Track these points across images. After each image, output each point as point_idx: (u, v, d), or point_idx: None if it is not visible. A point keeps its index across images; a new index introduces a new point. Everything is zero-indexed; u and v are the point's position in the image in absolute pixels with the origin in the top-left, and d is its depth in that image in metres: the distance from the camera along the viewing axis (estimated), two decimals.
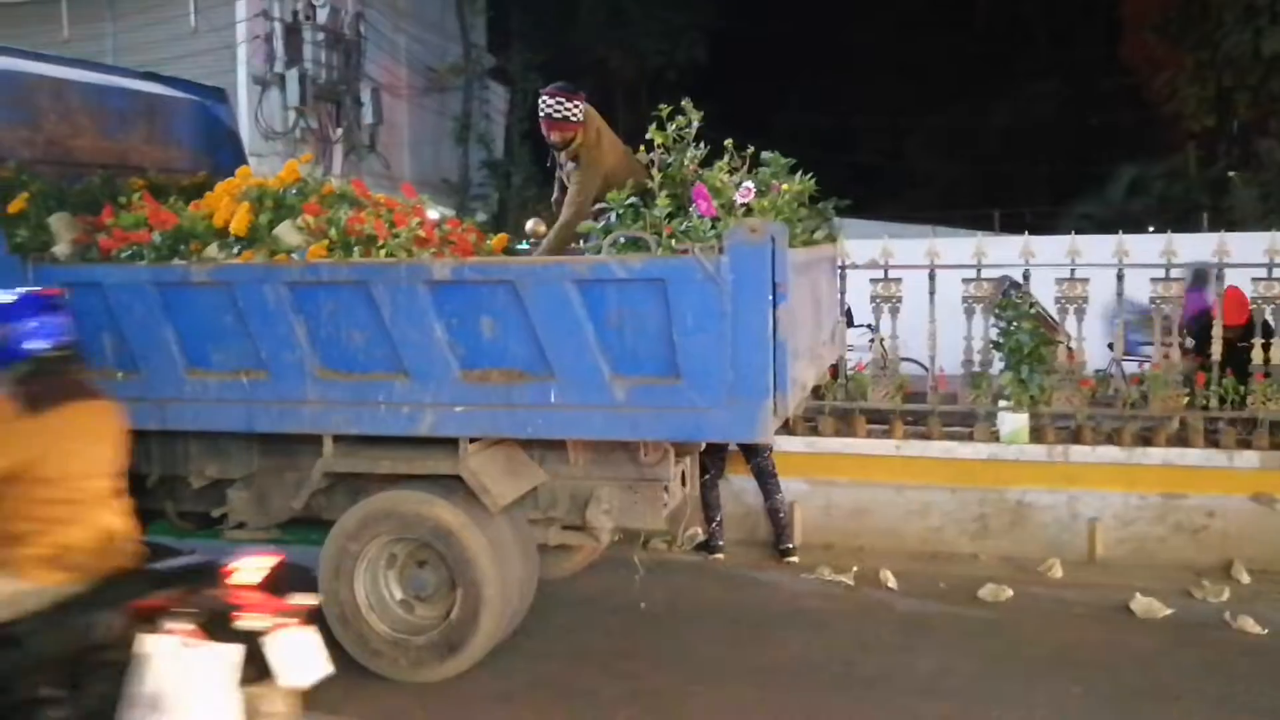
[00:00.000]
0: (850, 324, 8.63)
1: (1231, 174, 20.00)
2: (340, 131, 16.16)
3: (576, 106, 5.80)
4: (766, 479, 7.22)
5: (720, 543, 7.27)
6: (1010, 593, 6.47)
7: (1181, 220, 19.89)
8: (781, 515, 7.23)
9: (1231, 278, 7.33)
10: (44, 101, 6.29)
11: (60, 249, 5.55)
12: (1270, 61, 16.41)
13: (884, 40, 29.27)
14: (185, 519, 6.14)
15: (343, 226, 5.23)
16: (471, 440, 5.16)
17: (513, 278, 4.91)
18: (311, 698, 5.09)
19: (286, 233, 5.26)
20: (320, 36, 15.73)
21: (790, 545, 7.22)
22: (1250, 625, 5.94)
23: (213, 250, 5.31)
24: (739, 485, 7.44)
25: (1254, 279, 7.11)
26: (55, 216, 5.63)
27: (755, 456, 7.15)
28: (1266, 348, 6.99)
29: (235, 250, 5.29)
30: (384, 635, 5.31)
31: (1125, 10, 25.24)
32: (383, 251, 5.15)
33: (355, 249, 5.17)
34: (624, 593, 6.04)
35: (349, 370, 5.19)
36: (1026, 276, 7.45)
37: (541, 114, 5.87)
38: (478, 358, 5.02)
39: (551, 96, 5.81)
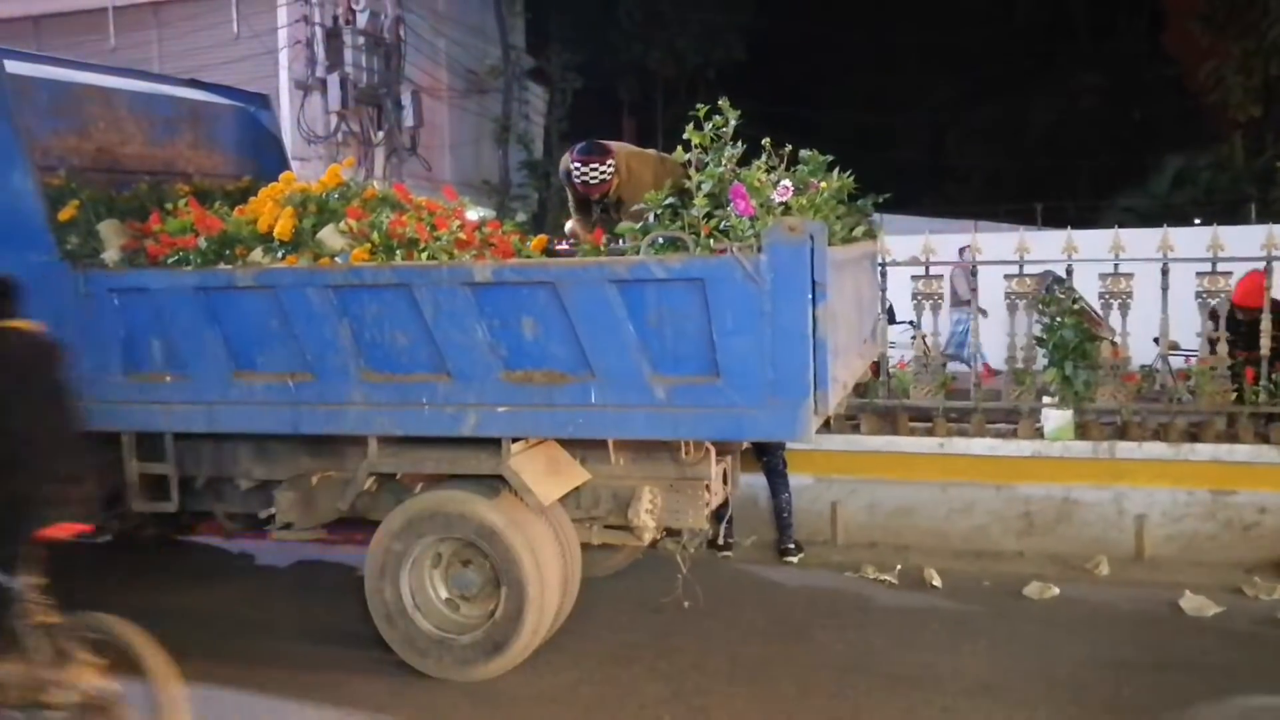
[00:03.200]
0: (892, 321, 8.61)
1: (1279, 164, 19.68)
2: (381, 134, 16.27)
3: (610, 165, 5.95)
4: (775, 477, 7.17)
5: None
6: (1056, 591, 6.41)
7: (1229, 212, 19.61)
8: (786, 515, 7.19)
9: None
10: (92, 110, 6.41)
11: (109, 255, 5.65)
12: None
13: (924, 35, 29.05)
14: (233, 520, 6.24)
15: (385, 230, 5.28)
16: (514, 440, 5.20)
17: (553, 279, 4.94)
18: (357, 697, 5.19)
19: (330, 237, 5.33)
20: (360, 40, 15.85)
21: (791, 545, 7.18)
22: None
23: (257, 255, 5.38)
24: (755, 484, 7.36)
25: None
26: (104, 223, 5.74)
27: (767, 454, 7.10)
28: None
29: (280, 254, 5.36)
30: (430, 634, 5.36)
31: (1168, 1, 24.92)
32: (424, 254, 5.19)
33: (397, 252, 5.22)
34: (667, 592, 6.05)
35: (393, 372, 5.24)
36: (1069, 272, 7.38)
37: (579, 180, 6.02)
38: (519, 358, 5.05)
39: (585, 165, 5.96)
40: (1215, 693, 5.09)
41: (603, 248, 5.42)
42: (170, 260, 5.49)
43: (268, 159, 7.30)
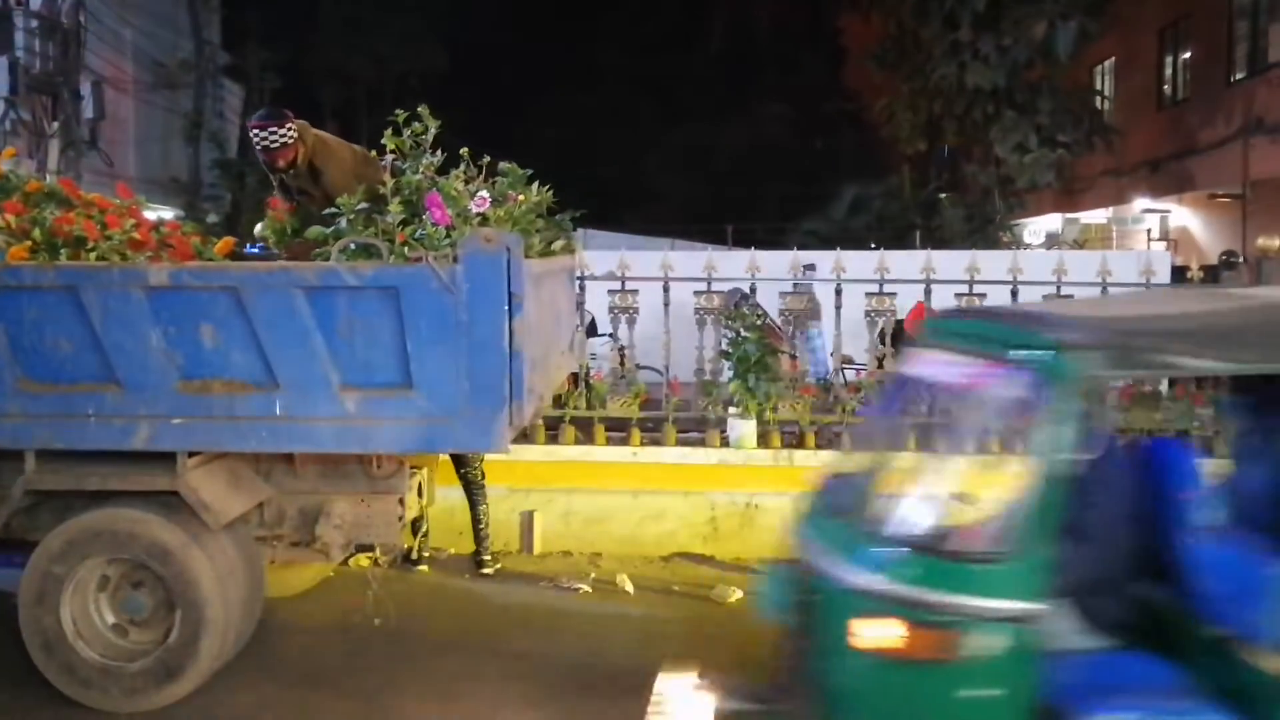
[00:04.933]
0: (594, 334, 8.78)
1: (942, 195, 21.55)
2: (57, 125, 15.08)
3: (290, 129, 5.85)
4: (473, 489, 7.12)
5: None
6: (740, 593, 6.71)
7: (898, 238, 21.28)
8: (483, 526, 7.16)
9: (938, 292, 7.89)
10: None
11: None
12: (973, 93, 17.76)
13: (625, 58, 29.92)
14: None
15: (48, 227, 4.89)
16: (191, 454, 4.91)
17: (236, 284, 4.72)
18: None
19: None
20: (34, 24, 14.65)
21: (488, 557, 7.15)
22: None
23: None
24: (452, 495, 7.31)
25: (956, 294, 7.68)
26: None
27: (464, 466, 7.06)
28: None
29: None
30: (94, 663, 4.97)
31: (847, 40, 26.82)
32: (93, 254, 4.84)
33: (62, 251, 4.84)
34: (359, 609, 5.89)
35: (55, 381, 4.85)
36: (753, 289, 7.78)
37: (259, 147, 5.89)
38: (198, 367, 4.80)
39: (263, 129, 5.84)
40: None
41: (287, 224, 5.27)
42: None
43: None
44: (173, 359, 4.77)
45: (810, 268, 8.42)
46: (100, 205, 5.37)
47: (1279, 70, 18.19)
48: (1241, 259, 10.13)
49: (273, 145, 5.82)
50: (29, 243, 4.86)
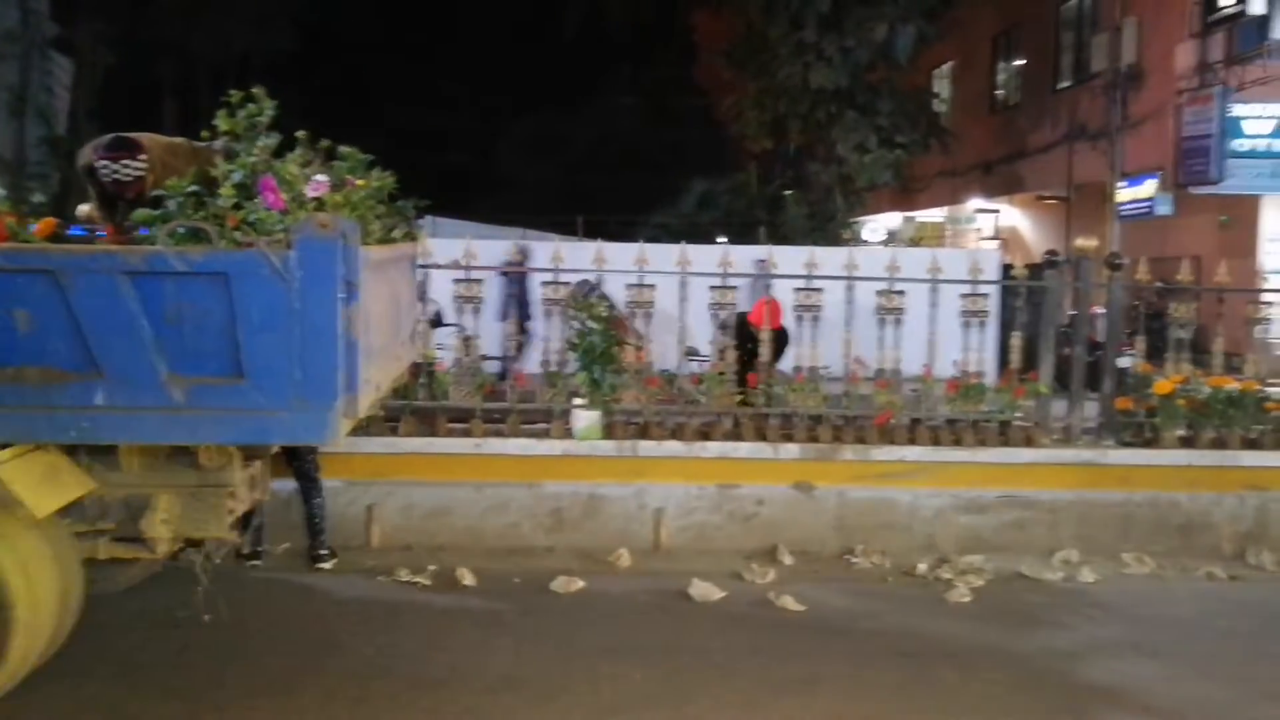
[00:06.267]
0: (440, 324, 8.67)
1: (786, 192, 22.02)
2: None
3: (141, 161, 5.54)
4: (307, 482, 7.00)
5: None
6: (581, 584, 6.73)
7: (745, 232, 21.66)
8: (318, 520, 7.03)
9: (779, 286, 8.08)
10: None
11: None
12: (816, 93, 18.20)
13: (479, 45, 29.65)
14: None
15: None
16: (3, 446, 4.67)
17: (53, 267, 4.48)
18: None
19: None
20: None
21: (324, 551, 7.04)
22: (790, 604, 6.53)
23: None
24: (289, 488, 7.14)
25: (795, 289, 7.86)
26: None
27: (297, 459, 6.91)
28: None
29: None
30: None
31: (699, 36, 27.13)
32: None
33: None
34: (186, 606, 5.69)
35: None
36: (600, 281, 7.81)
37: (108, 179, 5.54)
38: (10, 354, 4.53)
39: (114, 161, 5.51)
40: (715, 671, 5.55)
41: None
42: None
43: None
44: None
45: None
46: None
47: (1100, 80, 19.19)
48: (1063, 258, 10.65)
49: (125, 179, 5.50)
50: None
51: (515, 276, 10.89)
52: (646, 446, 7.59)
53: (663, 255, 7.90)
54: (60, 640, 5.07)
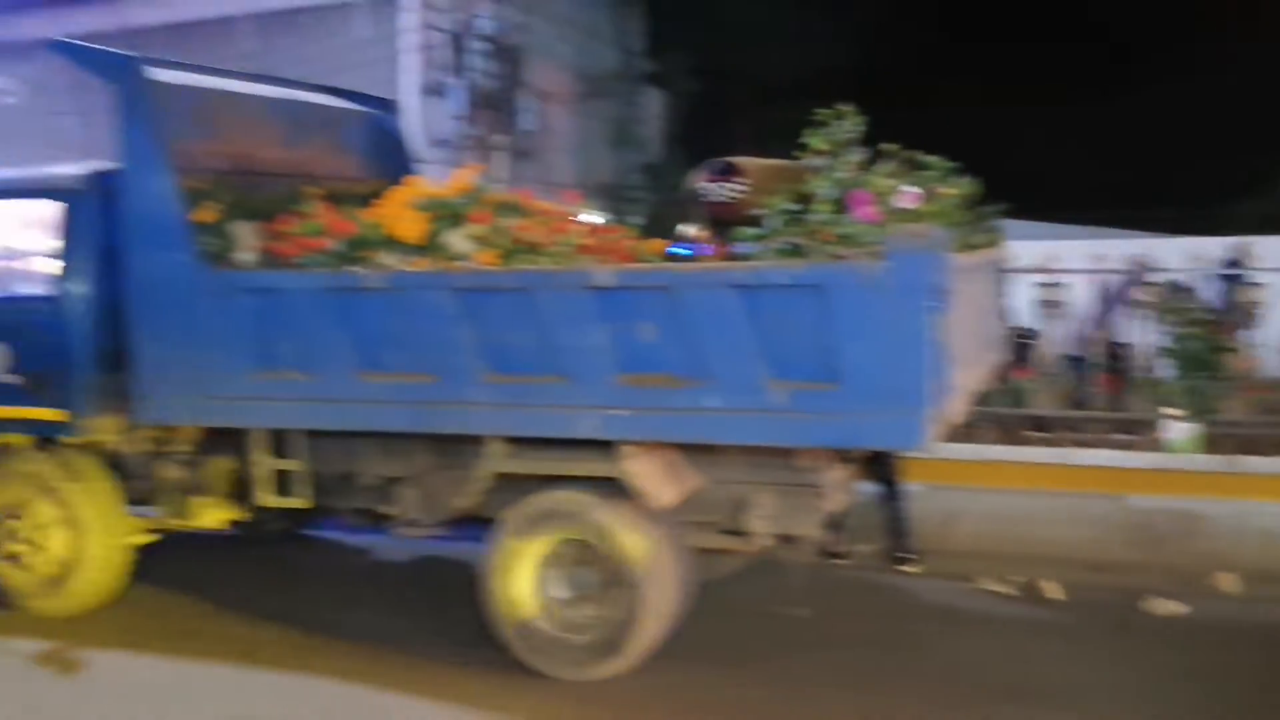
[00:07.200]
0: (1016, 329, 8.46)
1: None
2: (502, 139, 16.54)
3: (743, 184, 5.78)
4: (888, 485, 7.05)
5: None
6: (1175, 606, 6.22)
7: None
8: (901, 522, 7.07)
9: None
10: (230, 115, 6.64)
11: (243, 256, 5.85)
12: None
13: (1042, 34, 28.39)
14: (358, 515, 6.41)
15: (509, 234, 5.39)
16: (630, 443, 5.24)
17: (672, 284, 4.98)
18: (471, 694, 5.28)
19: (456, 240, 5.45)
20: (484, 46, 16.14)
21: (907, 554, 7.04)
22: None
23: (386, 257, 5.52)
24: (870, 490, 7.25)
25: None
26: (238, 224, 5.94)
27: (879, 462, 6.95)
28: None
29: (407, 257, 5.50)
30: (544, 634, 5.43)
31: None
32: (546, 259, 5.28)
33: (521, 256, 5.32)
34: (778, 598, 6.03)
35: (513, 373, 5.32)
36: (1195, 283, 7.18)
37: (710, 200, 5.88)
38: (637, 362, 5.09)
39: (717, 183, 5.83)
40: None
41: None
42: (301, 262, 5.67)
43: (393, 163, 7.48)
44: (615, 354, 5.10)
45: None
46: (552, 213, 5.85)
47: None
48: None
49: (725, 201, 5.81)
50: (493, 249, 5.39)
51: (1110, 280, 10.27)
52: (1254, 462, 6.85)
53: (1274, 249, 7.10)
54: (675, 623, 5.59)
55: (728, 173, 5.91)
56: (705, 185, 5.96)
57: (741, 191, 5.85)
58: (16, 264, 6.55)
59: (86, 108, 15.93)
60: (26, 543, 6.38)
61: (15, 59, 17.96)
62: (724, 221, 5.97)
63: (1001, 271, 7.28)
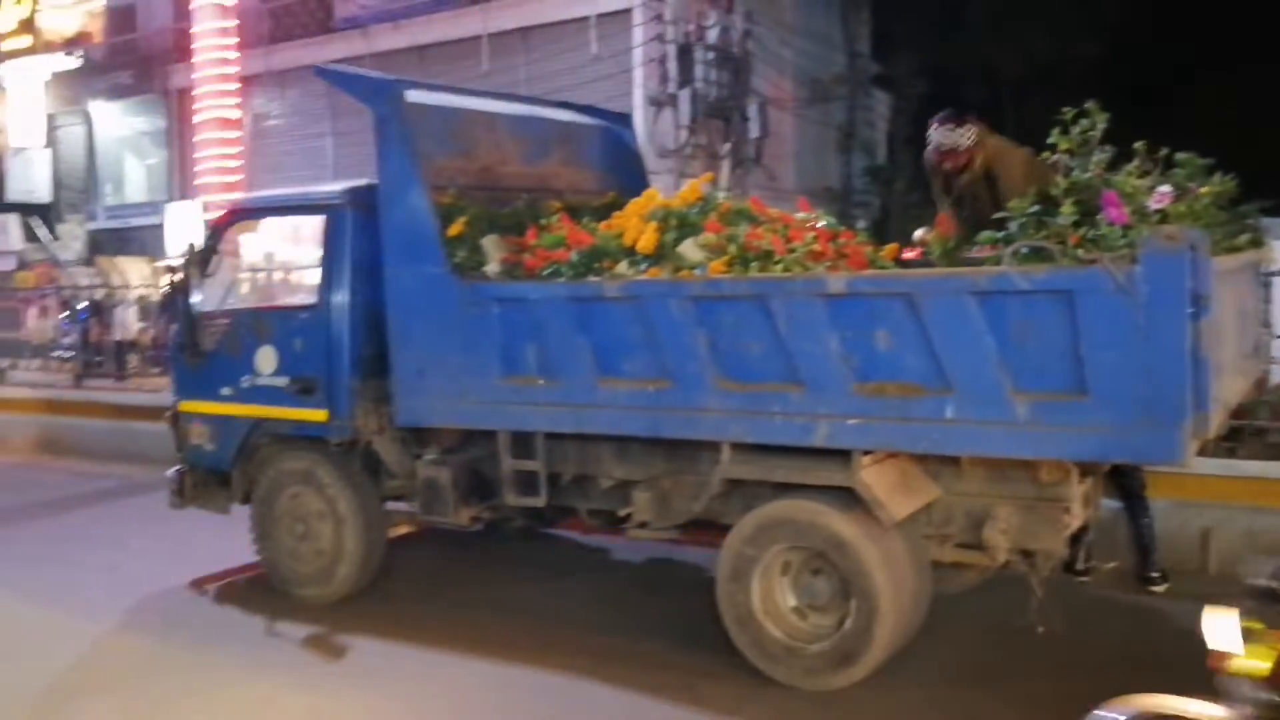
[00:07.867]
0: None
1: None
2: (728, 146, 16.64)
3: (970, 132, 5.87)
4: (1134, 500, 6.67)
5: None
6: None
7: None
8: (1148, 540, 6.67)
9: None
10: (477, 132, 6.98)
11: (491, 268, 6.13)
12: None
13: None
14: (593, 516, 6.60)
15: (741, 243, 5.44)
16: (865, 453, 5.20)
17: (909, 290, 4.91)
18: (708, 698, 5.34)
19: (689, 250, 5.55)
20: (710, 56, 16.30)
21: (1156, 574, 6.66)
22: None
23: (623, 267, 5.67)
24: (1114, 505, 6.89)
25: None
26: (486, 238, 6.23)
27: (1125, 475, 6.62)
28: None
29: (642, 267, 5.63)
30: (779, 641, 5.45)
31: None
32: (779, 266, 5.30)
33: (753, 264, 5.36)
34: (1018, 615, 5.82)
35: (746, 381, 5.37)
36: None
37: (935, 146, 5.98)
38: (872, 370, 5.05)
39: (943, 126, 5.91)
40: None
41: (948, 242, 5.34)
42: (544, 272, 5.89)
43: (629, 175, 7.66)
44: (849, 362, 5.07)
45: None
46: (783, 220, 5.88)
47: None
48: None
49: (946, 146, 5.92)
50: (726, 257, 5.45)
51: None
52: None
53: None
54: (910, 635, 5.51)
55: (953, 119, 5.92)
56: (934, 132, 5.99)
57: (963, 139, 5.79)
58: (285, 277, 7.06)
59: (340, 130, 17.10)
60: (301, 536, 6.87)
61: (276, 86, 19.36)
62: (942, 171, 6.04)
63: (1264, 274, 6.84)
